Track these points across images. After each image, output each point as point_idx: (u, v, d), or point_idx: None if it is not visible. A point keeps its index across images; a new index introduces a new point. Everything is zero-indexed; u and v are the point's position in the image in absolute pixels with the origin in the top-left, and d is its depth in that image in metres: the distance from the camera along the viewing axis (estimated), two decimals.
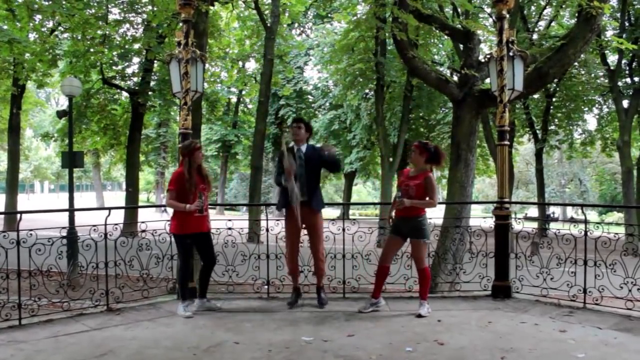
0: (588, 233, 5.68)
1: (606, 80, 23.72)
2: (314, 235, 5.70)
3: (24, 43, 13.90)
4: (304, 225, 5.70)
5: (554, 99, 26.04)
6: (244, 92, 33.53)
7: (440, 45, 23.71)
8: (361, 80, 24.99)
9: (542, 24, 24.75)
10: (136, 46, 19.55)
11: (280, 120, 38.05)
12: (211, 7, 12.14)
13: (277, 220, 6.52)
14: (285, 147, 5.60)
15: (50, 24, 18.41)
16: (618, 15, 21.90)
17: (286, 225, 5.76)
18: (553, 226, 10.48)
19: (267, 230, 6.32)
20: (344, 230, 6.21)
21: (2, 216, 20.77)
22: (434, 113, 29.31)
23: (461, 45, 11.54)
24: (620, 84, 23.36)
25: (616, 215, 41.63)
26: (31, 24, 15.36)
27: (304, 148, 5.72)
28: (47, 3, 13.79)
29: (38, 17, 15.20)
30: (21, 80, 19.34)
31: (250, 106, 38.86)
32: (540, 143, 27.01)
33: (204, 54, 6.62)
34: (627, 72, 23.70)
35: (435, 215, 6.87)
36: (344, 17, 21.70)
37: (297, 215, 5.51)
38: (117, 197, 57.54)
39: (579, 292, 5.65)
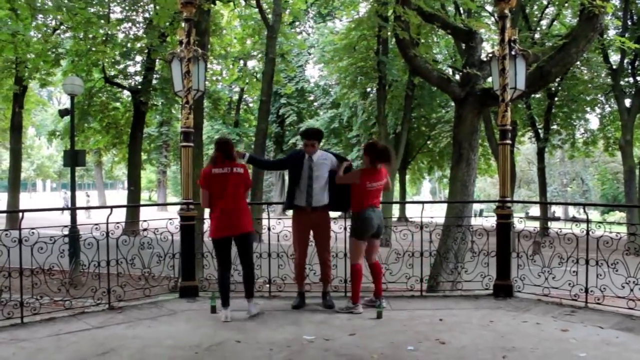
0: (590, 232, 5.67)
1: (608, 79, 23.68)
2: (322, 237, 5.71)
3: (27, 35, 13.90)
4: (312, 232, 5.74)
5: (555, 98, 26.00)
6: (245, 91, 33.49)
7: (439, 43, 23.67)
8: (362, 79, 24.99)
9: (544, 22, 24.71)
10: (138, 45, 19.56)
11: (281, 119, 38.05)
12: (213, 6, 12.13)
13: (279, 219, 6.51)
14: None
15: (52, 23, 18.44)
16: (620, 14, 21.87)
17: (294, 228, 5.74)
18: (555, 225, 10.48)
19: (269, 229, 6.32)
20: (345, 229, 6.20)
21: (5, 214, 20.80)
22: (435, 112, 29.29)
23: (463, 44, 11.54)
24: (622, 83, 23.34)
25: (618, 215, 41.51)
26: (34, 23, 15.36)
27: (315, 157, 5.68)
28: (49, 2, 13.79)
29: (40, 16, 15.21)
30: (25, 81, 19.37)
31: (251, 105, 38.83)
32: (542, 142, 26.99)
33: (206, 52, 6.62)
34: (629, 71, 23.66)
35: (437, 214, 6.87)
36: (347, 14, 21.71)
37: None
38: (119, 195, 57.65)
39: (581, 291, 5.64)
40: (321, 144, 6.03)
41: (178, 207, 6.28)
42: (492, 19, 20.88)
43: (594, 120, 32.65)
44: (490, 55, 6.42)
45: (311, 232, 5.76)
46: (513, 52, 6.11)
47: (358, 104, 29.88)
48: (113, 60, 19.69)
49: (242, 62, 27.19)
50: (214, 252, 5.51)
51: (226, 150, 5.31)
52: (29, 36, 15.24)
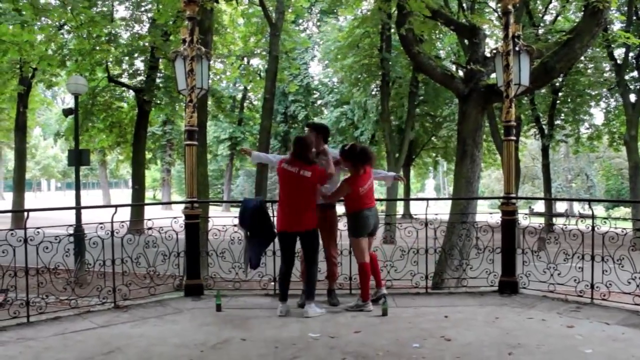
0: (595, 228, 5.64)
1: (613, 75, 23.58)
2: (329, 235, 5.72)
3: (31, 35, 13.97)
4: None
5: (560, 94, 25.91)
6: (249, 89, 33.51)
7: (443, 39, 23.62)
8: (366, 76, 24.94)
9: (548, 18, 24.61)
10: (142, 44, 19.58)
11: (288, 117, 38.10)
12: (216, 4, 12.14)
13: None
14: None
15: (55, 23, 18.48)
16: (625, 9, 21.76)
17: None
18: (560, 221, 10.44)
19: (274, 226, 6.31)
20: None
21: (10, 214, 20.89)
22: (440, 109, 29.22)
23: (466, 41, 11.50)
24: (627, 78, 23.23)
25: (623, 210, 41.42)
26: (37, 24, 15.40)
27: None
28: (53, 2, 13.85)
29: (44, 18, 15.25)
30: (35, 76, 19.30)
31: (255, 103, 38.86)
32: (546, 138, 26.89)
33: (209, 51, 6.62)
34: (634, 66, 23.55)
35: (441, 211, 6.85)
36: (349, 12, 21.66)
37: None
38: (124, 194, 57.80)
39: (587, 287, 5.61)
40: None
41: (182, 205, 6.29)
42: (496, 14, 20.82)
43: (598, 116, 32.58)
44: (494, 51, 6.40)
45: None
46: (517, 48, 6.08)
47: (368, 103, 29.84)
48: (117, 59, 19.72)
49: (245, 60, 27.18)
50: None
51: (295, 150, 5.35)
52: (33, 36, 15.28)
